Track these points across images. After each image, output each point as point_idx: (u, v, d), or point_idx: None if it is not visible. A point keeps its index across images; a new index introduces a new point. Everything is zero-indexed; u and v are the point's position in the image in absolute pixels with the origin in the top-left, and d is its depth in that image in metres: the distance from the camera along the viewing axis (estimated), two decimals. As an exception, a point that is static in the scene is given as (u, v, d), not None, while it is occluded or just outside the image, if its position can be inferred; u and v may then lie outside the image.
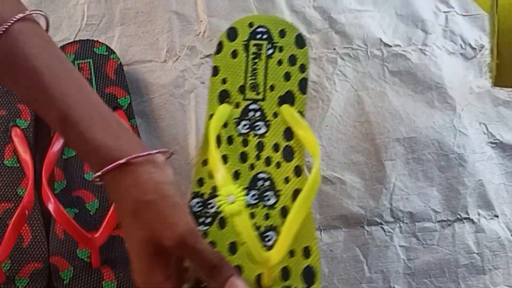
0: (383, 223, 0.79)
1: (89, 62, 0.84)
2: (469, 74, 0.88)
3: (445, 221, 0.79)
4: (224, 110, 0.75)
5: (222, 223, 0.71)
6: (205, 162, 0.73)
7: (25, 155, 0.78)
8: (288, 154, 0.74)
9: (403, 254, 0.77)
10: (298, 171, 0.73)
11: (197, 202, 0.72)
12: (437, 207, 0.80)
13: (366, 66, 0.88)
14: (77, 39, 0.88)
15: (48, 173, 0.75)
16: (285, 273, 0.68)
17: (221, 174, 0.66)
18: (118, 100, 0.83)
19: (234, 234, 0.70)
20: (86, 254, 0.74)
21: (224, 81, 0.77)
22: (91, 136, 0.59)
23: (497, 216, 0.80)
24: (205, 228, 0.71)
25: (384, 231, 0.78)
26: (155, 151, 0.61)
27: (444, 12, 0.91)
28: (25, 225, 0.75)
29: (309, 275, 0.68)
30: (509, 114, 0.85)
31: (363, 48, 0.89)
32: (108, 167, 0.59)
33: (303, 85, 0.77)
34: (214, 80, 0.77)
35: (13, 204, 0.77)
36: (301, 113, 0.76)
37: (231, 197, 0.61)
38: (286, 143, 0.75)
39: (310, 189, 0.65)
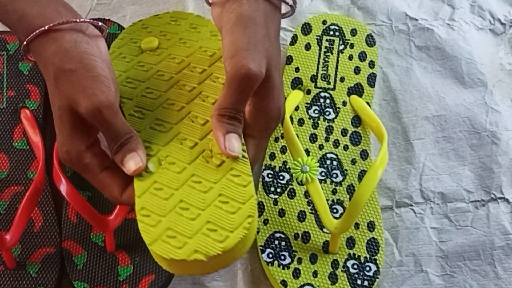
0: (413, 204, 0.75)
1: (101, 41, 0.81)
2: (499, 50, 0.85)
3: (478, 201, 0.75)
4: (296, 95, 0.79)
5: (292, 193, 0.74)
6: (277, 139, 0.78)
7: (35, 137, 0.75)
8: (356, 139, 0.77)
9: (435, 236, 0.73)
10: (364, 155, 0.77)
11: (268, 174, 0.75)
12: (470, 187, 0.76)
13: (392, 42, 0.84)
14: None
15: (59, 155, 0.71)
16: (350, 242, 0.71)
17: (296, 146, 0.70)
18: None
19: (302, 203, 0.74)
20: (100, 238, 0.70)
21: (297, 69, 0.82)
22: (14, 6, 0.59)
23: (533, 196, 0.76)
24: (275, 196, 0.74)
25: (415, 212, 0.75)
26: (82, 20, 0.60)
27: (471, -14, 0.88)
28: (36, 208, 0.72)
29: (373, 246, 0.71)
30: (542, 92, 0.82)
31: (388, 23, 0.85)
32: (31, 35, 0.59)
33: (372, 79, 0.81)
34: (288, 68, 0.82)
35: (23, 187, 0.73)
36: (368, 104, 0.79)
37: (305, 167, 0.67)
38: (354, 129, 0.78)
39: (376, 170, 0.67)
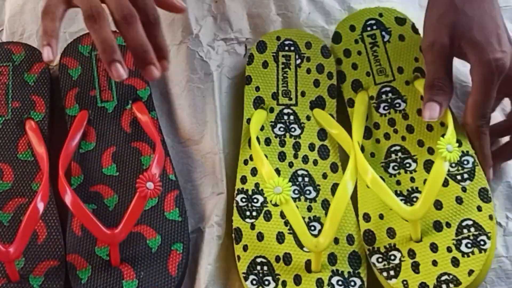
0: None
1: (106, 52, 0.81)
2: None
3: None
4: (260, 115, 0.80)
5: (268, 215, 0.74)
6: (245, 162, 0.77)
7: (40, 149, 0.76)
8: (324, 153, 0.78)
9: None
10: (334, 167, 0.77)
11: (242, 198, 0.74)
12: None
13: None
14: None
15: (65, 166, 0.72)
16: (332, 259, 0.71)
17: (266, 168, 0.71)
18: (138, 91, 0.80)
19: (280, 224, 0.73)
20: (105, 252, 0.71)
21: (257, 88, 0.81)
22: None
23: (525, 219, 0.77)
24: (252, 220, 0.73)
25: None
26: None
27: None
28: (40, 221, 0.72)
29: (355, 259, 0.71)
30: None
31: (385, 40, 0.86)
32: None
33: (332, 90, 0.81)
34: (248, 88, 0.82)
35: (27, 199, 0.74)
36: (332, 115, 0.80)
37: (278, 188, 0.67)
38: (321, 143, 0.78)
39: (347, 183, 0.69)
